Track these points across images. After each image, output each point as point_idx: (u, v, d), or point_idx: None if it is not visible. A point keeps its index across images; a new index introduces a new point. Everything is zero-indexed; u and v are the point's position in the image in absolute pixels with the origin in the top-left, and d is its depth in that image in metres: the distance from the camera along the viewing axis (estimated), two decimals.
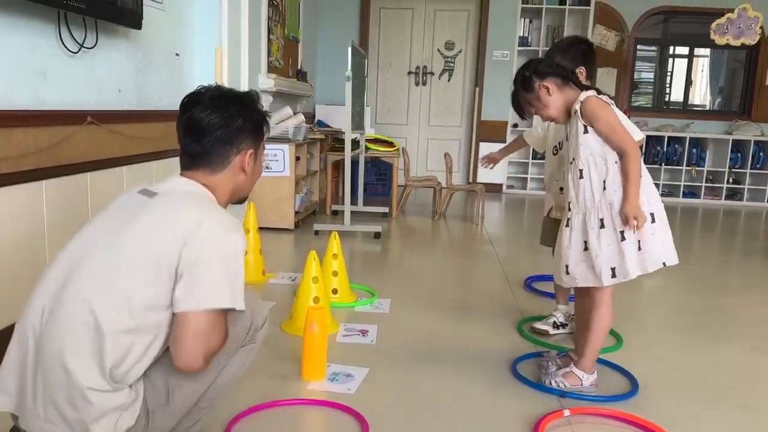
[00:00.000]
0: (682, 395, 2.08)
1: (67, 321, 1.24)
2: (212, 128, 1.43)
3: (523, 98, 2.02)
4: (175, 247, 1.27)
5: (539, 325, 2.58)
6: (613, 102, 1.99)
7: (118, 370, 1.25)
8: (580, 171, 1.96)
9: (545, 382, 2.03)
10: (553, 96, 1.97)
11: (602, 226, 1.94)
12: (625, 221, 1.88)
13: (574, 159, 1.99)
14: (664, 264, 1.94)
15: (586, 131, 1.93)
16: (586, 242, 1.97)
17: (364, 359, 2.25)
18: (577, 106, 1.93)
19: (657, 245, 1.93)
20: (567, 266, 2.01)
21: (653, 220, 1.93)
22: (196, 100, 1.45)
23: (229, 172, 1.47)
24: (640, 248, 1.91)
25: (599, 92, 1.97)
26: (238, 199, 1.58)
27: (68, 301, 1.25)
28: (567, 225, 2.02)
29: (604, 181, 1.93)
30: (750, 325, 2.89)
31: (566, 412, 1.85)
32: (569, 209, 2.02)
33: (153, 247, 1.28)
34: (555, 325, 2.56)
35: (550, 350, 2.33)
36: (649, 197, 1.94)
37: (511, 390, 2.06)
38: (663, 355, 2.46)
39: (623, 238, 1.91)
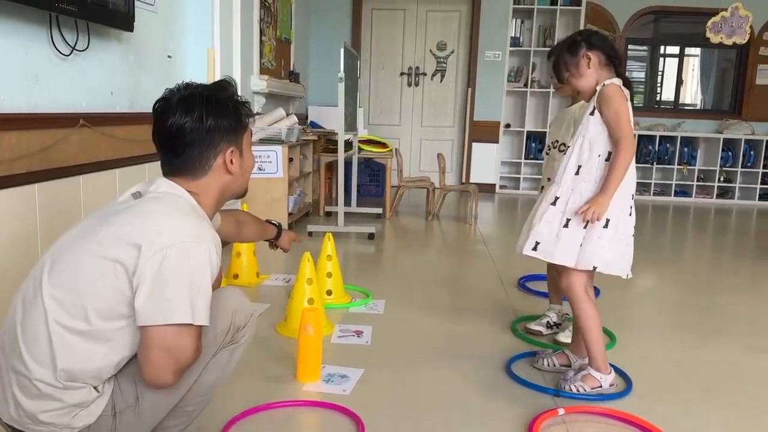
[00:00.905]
0: (675, 393, 2.09)
1: (31, 317, 1.24)
2: (184, 134, 1.36)
3: (563, 60, 2.04)
4: (131, 255, 1.22)
5: (533, 326, 2.58)
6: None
7: (73, 372, 1.23)
8: (567, 147, 2.02)
9: (565, 388, 1.99)
10: (591, 69, 1.99)
11: (554, 203, 1.98)
12: (585, 210, 1.87)
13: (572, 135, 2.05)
14: (594, 267, 1.94)
15: (592, 113, 1.96)
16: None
17: (359, 360, 2.25)
18: (599, 87, 1.96)
19: (597, 248, 1.93)
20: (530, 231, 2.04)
21: (605, 226, 1.92)
22: (165, 105, 1.38)
23: (212, 175, 1.41)
24: (581, 244, 1.94)
25: (626, 83, 1.99)
26: (233, 196, 1.52)
27: (36, 298, 1.25)
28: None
29: (579, 167, 1.96)
30: (743, 323, 2.91)
31: (560, 411, 1.86)
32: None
33: (112, 254, 1.23)
34: (548, 325, 2.57)
35: (545, 349, 2.34)
36: (619, 204, 1.93)
37: (506, 390, 2.06)
38: (656, 353, 2.47)
39: (566, 225, 1.94)
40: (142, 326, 1.23)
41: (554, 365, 2.20)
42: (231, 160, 1.43)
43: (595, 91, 1.97)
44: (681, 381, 2.21)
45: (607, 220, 1.92)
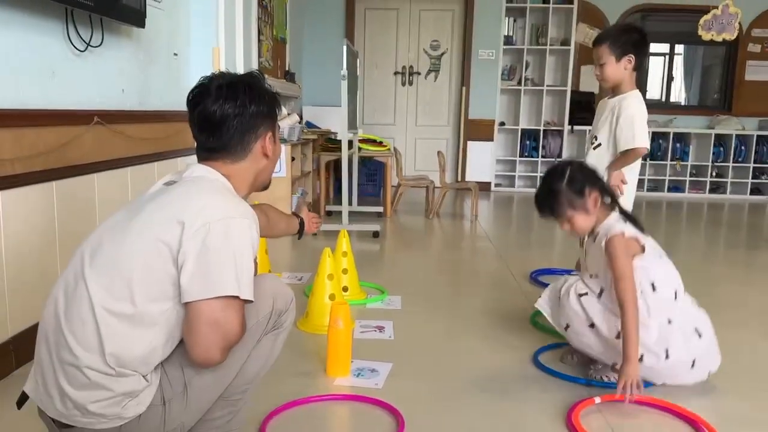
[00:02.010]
0: (705, 384, 2.10)
1: (76, 305, 1.23)
2: (227, 119, 1.39)
3: (566, 198, 1.94)
4: (175, 233, 1.23)
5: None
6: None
7: (122, 358, 1.22)
8: (601, 290, 1.97)
9: (596, 378, 2.01)
10: (592, 209, 1.95)
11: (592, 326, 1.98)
12: (622, 386, 1.82)
13: (596, 275, 2.00)
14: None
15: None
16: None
17: (385, 354, 2.24)
18: (603, 243, 1.91)
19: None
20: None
21: (700, 336, 1.96)
22: (204, 92, 1.40)
23: (251, 159, 1.45)
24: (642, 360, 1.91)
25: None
26: (262, 185, 1.53)
27: (79, 287, 1.24)
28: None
29: (617, 336, 1.92)
30: (752, 312, 2.94)
31: (597, 400, 1.86)
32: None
33: (156, 234, 1.24)
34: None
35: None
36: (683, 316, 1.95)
37: (537, 380, 2.07)
38: None
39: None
40: (188, 302, 1.23)
41: (574, 360, 2.20)
42: (268, 145, 1.46)
43: (601, 244, 1.93)
44: None
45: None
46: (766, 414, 1.91)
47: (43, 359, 1.27)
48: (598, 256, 1.97)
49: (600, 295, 1.98)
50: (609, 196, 2.01)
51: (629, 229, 1.93)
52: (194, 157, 1.49)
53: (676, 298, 1.96)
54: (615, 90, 2.61)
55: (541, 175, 7.25)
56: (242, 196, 1.46)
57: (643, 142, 2.52)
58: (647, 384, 2.00)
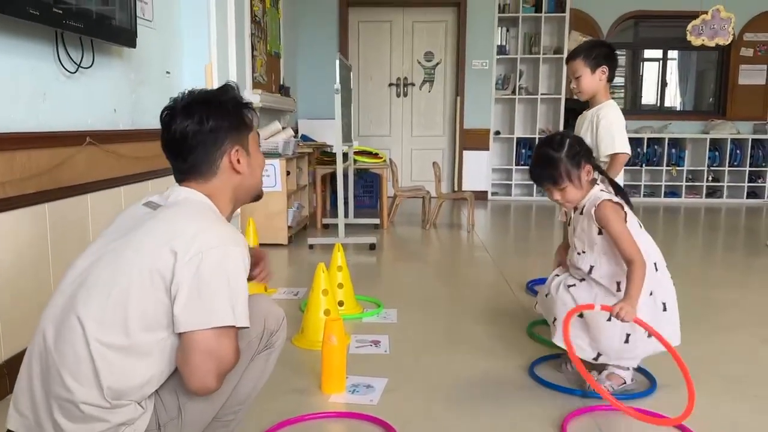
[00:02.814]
0: (699, 388, 2.08)
1: (68, 339, 1.22)
2: (188, 137, 1.37)
3: (564, 167, 1.96)
4: (168, 262, 1.22)
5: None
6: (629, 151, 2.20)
7: (119, 390, 1.22)
8: (591, 267, 1.99)
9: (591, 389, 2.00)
10: (585, 182, 1.99)
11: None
12: (615, 313, 1.81)
13: (584, 251, 2.02)
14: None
15: (600, 233, 1.96)
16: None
17: (380, 369, 2.24)
18: (593, 210, 1.94)
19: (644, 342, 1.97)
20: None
21: (665, 309, 1.99)
22: (171, 113, 1.39)
23: (221, 176, 1.41)
24: (627, 341, 1.96)
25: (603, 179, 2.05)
26: (248, 198, 1.51)
27: (70, 320, 1.23)
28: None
29: (618, 283, 1.95)
30: (750, 317, 2.93)
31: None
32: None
33: (148, 263, 1.23)
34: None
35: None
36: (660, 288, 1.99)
37: (533, 392, 2.06)
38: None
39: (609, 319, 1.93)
40: (182, 332, 1.22)
41: (573, 367, 2.20)
42: (237, 160, 1.42)
43: (589, 212, 1.96)
44: (702, 376, 2.20)
45: (663, 303, 1.98)
46: (763, 418, 1.90)
47: (35, 393, 1.25)
48: (587, 228, 1.99)
49: (590, 272, 1.99)
50: (599, 172, 2.07)
51: (614, 197, 1.98)
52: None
53: (657, 270, 2.00)
54: (591, 102, 2.69)
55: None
56: (226, 215, 1.45)
57: (623, 147, 2.57)
58: (645, 393, 2.00)
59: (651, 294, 1.95)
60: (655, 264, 1.99)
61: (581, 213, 2.02)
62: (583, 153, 1.99)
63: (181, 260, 1.22)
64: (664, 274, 2.03)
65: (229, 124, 1.41)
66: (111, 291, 1.23)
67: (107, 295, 1.23)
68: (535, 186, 7.29)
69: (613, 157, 2.56)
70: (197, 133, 1.37)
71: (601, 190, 2.00)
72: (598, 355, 2.00)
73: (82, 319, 1.21)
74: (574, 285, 2.04)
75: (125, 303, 1.22)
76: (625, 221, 1.93)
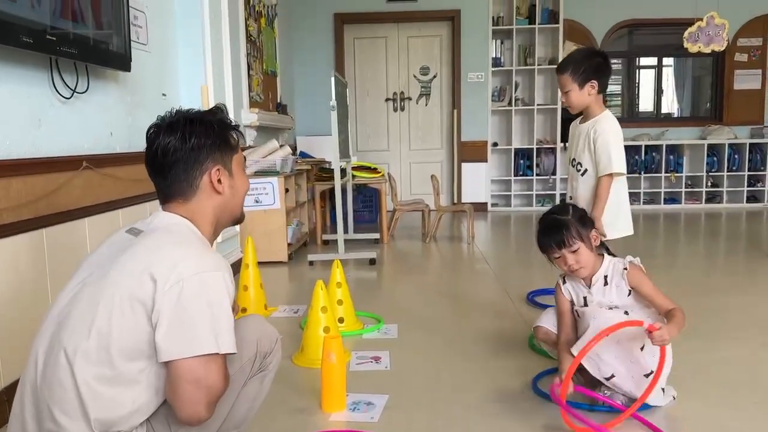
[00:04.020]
0: (701, 397, 2.08)
1: (55, 372, 1.21)
2: (168, 154, 1.37)
3: (575, 227, 1.99)
4: (148, 289, 1.21)
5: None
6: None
7: (106, 421, 1.21)
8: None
9: (607, 395, 1.98)
10: (593, 246, 2.04)
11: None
12: (659, 333, 1.79)
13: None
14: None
15: (629, 294, 2.00)
16: None
17: (381, 386, 2.23)
18: (624, 275, 1.99)
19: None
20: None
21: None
22: (156, 130, 1.40)
23: (202, 195, 1.40)
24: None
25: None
26: (230, 221, 1.50)
27: (55, 353, 1.22)
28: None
29: (642, 348, 1.91)
30: (750, 322, 2.92)
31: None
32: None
33: (129, 291, 1.22)
34: None
35: None
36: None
37: (537, 408, 2.04)
38: (675, 357, 2.45)
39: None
40: (167, 362, 1.21)
41: (580, 380, 2.18)
42: (218, 179, 1.42)
43: (618, 275, 2.02)
44: (703, 384, 2.20)
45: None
46: (764, 427, 1.89)
47: (27, 427, 1.25)
48: (616, 296, 2.01)
49: None
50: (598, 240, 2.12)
51: (625, 260, 2.03)
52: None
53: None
54: (585, 113, 2.64)
55: (537, 193, 7.21)
56: (209, 237, 1.44)
57: (620, 167, 2.55)
58: (646, 406, 1.99)
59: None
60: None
61: (605, 284, 2.03)
62: (588, 219, 2.06)
63: (161, 288, 1.21)
64: None
65: (211, 143, 1.41)
66: (94, 321, 1.22)
67: (90, 325, 1.22)
68: (534, 196, 7.31)
69: (608, 175, 2.54)
70: (178, 150, 1.37)
71: (612, 259, 2.06)
72: (612, 376, 1.93)
73: (68, 352, 1.21)
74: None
75: (108, 332, 1.21)
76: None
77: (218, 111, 1.48)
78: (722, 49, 5.93)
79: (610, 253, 2.12)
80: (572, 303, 2.11)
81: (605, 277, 2.02)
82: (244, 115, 4.72)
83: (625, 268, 2.00)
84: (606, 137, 2.54)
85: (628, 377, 1.91)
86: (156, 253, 1.27)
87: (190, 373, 1.20)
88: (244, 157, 1.55)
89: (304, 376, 2.35)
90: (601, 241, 2.14)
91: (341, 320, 2.86)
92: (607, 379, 1.94)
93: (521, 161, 7.38)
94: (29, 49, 2.06)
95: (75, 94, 2.45)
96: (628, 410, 1.87)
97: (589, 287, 2.05)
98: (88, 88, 2.53)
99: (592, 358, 1.90)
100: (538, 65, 7.16)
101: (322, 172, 5.47)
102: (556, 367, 2.30)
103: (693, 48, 5.81)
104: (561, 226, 1.99)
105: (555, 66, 6.96)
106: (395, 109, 7.46)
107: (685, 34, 5.85)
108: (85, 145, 2.60)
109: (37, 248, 2.20)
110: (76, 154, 2.50)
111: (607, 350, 1.90)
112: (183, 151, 1.37)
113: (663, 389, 1.96)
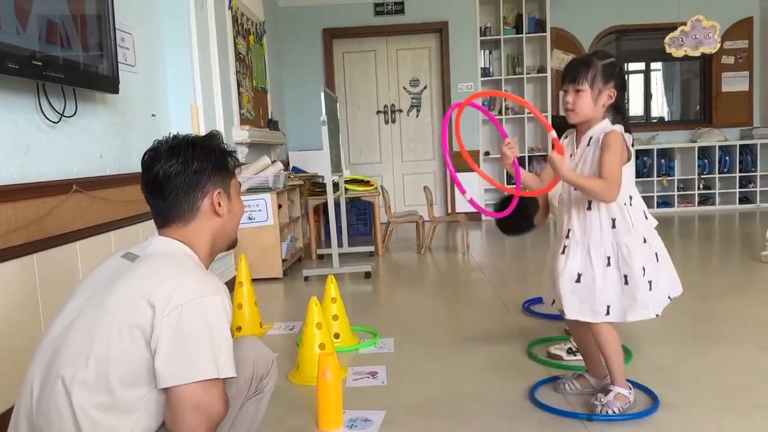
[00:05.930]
0: (702, 402, 2.08)
1: (52, 400, 1.20)
2: (171, 178, 1.37)
3: (593, 72, 1.92)
4: (147, 316, 1.20)
5: (553, 350, 2.55)
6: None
7: None
8: (589, 202, 1.96)
9: (602, 411, 1.97)
10: (600, 105, 1.95)
11: (608, 264, 1.95)
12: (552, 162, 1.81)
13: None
14: (669, 298, 2.00)
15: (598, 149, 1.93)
16: (580, 275, 1.96)
17: (378, 402, 2.21)
18: (602, 135, 1.92)
19: (663, 283, 1.97)
20: (560, 294, 1.99)
21: (657, 260, 1.98)
22: (154, 155, 1.40)
23: (202, 218, 1.41)
24: (651, 288, 1.93)
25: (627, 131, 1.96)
26: (226, 244, 1.51)
27: (52, 380, 1.21)
28: (563, 253, 2.01)
29: (614, 220, 1.93)
30: (749, 324, 2.92)
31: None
32: (567, 236, 2.03)
33: (127, 318, 1.21)
34: (570, 351, 2.51)
35: (565, 372, 2.32)
36: (653, 239, 2.00)
37: (535, 418, 2.03)
38: (672, 363, 2.46)
39: (626, 282, 1.92)
40: (167, 388, 1.20)
41: (576, 388, 2.18)
42: (219, 203, 1.43)
43: (597, 138, 1.96)
44: (704, 389, 2.20)
45: (643, 268, 1.94)
46: (761, 429, 1.89)
47: None
48: (590, 158, 1.95)
49: (589, 207, 1.98)
50: (620, 112, 2.01)
51: (626, 135, 1.94)
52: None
53: (646, 218, 2.01)
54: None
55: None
56: (205, 261, 1.44)
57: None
58: (648, 412, 1.98)
59: (645, 242, 1.97)
60: (644, 212, 2.02)
61: (588, 144, 1.97)
62: (617, 77, 1.95)
63: (159, 314, 1.20)
64: (651, 224, 2.06)
65: (213, 166, 1.42)
66: (92, 348, 1.21)
67: (88, 353, 1.21)
68: None
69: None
70: (180, 174, 1.38)
71: (614, 124, 1.96)
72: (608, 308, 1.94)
73: (65, 380, 1.20)
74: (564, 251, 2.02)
75: (106, 360, 1.20)
76: (625, 163, 1.91)
77: (215, 136, 1.49)
78: (714, 51, 5.95)
79: (626, 128, 1.97)
80: None
81: (590, 138, 1.97)
82: (235, 133, 4.72)
83: (597, 139, 1.93)
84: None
85: (637, 302, 1.94)
86: (153, 279, 1.27)
87: (191, 399, 1.19)
88: (240, 183, 1.55)
89: (301, 393, 2.33)
90: (621, 111, 2.02)
91: (337, 336, 2.84)
92: (607, 314, 1.96)
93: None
94: (15, 75, 2.06)
95: (63, 118, 2.45)
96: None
97: (577, 147, 2.03)
98: (76, 111, 2.53)
99: (580, 309, 1.97)
100: (527, 74, 7.19)
101: (315, 186, 5.47)
102: (554, 377, 2.31)
103: (678, 52, 5.85)
104: (585, 63, 1.96)
105: (544, 74, 7.07)
106: (386, 122, 7.49)
107: (667, 39, 5.89)
108: (75, 168, 2.59)
109: (28, 273, 2.19)
110: (65, 178, 2.49)
111: (586, 300, 1.96)
112: (186, 175, 1.38)
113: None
